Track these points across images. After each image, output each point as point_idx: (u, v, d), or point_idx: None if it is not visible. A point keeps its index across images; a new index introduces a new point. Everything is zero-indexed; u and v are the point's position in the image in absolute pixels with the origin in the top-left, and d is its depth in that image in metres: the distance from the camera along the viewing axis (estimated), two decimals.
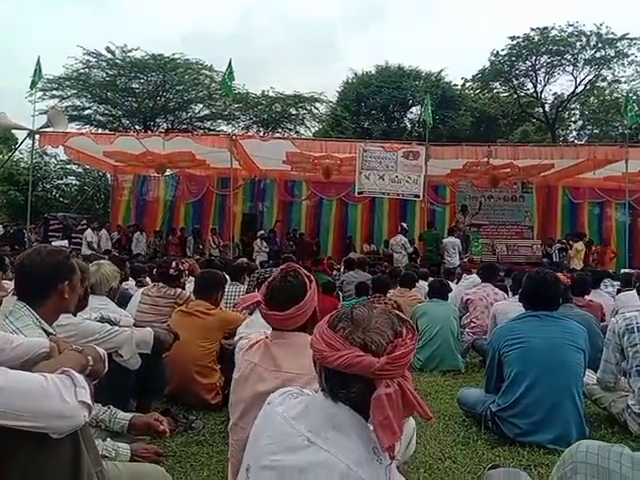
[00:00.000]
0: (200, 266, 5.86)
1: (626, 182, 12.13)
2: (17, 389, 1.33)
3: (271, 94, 24.81)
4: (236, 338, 3.25)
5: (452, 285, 6.68)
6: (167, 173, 15.05)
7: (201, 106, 25.48)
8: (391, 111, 27.40)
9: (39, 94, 17.82)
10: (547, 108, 28.79)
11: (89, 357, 1.68)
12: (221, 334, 3.58)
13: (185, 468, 2.70)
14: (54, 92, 22.70)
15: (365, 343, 1.24)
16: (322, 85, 59.76)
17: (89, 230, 13.53)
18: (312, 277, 2.15)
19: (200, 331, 3.50)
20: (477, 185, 14.60)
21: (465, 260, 11.60)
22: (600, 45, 25.52)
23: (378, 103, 26.14)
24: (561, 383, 2.95)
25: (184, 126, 24.91)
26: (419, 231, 13.69)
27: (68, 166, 24.17)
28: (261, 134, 21.29)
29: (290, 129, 26.27)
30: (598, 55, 25.94)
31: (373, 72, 27.42)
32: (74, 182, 25.24)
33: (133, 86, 23.95)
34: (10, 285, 2.49)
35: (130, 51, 22.81)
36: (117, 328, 2.85)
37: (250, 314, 3.51)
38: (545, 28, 25.79)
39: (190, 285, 4.23)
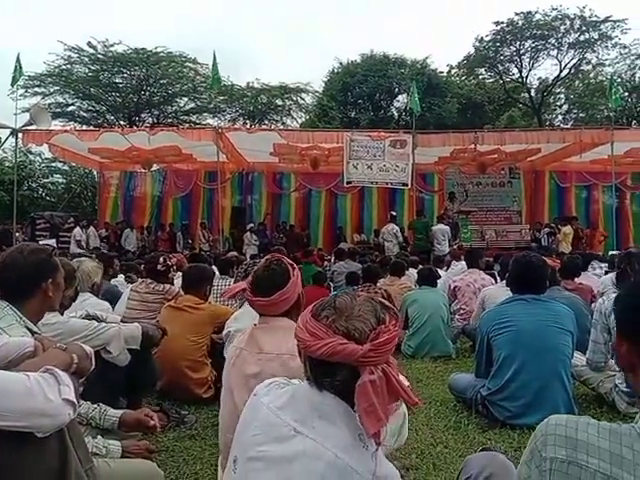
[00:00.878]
0: (188, 261, 5.83)
1: (612, 165, 12.21)
2: (0, 389, 1.31)
3: (256, 86, 24.70)
4: (225, 332, 3.26)
5: (441, 272, 6.73)
6: (154, 168, 14.95)
7: (186, 99, 25.28)
8: (378, 100, 27.36)
9: (21, 91, 17.52)
10: (533, 93, 28.90)
11: (74, 355, 1.67)
12: (211, 328, 3.58)
13: (178, 462, 2.71)
14: (36, 89, 22.38)
15: (348, 331, 1.24)
16: (308, 75, 59.50)
17: (77, 228, 13.43)
18: (295, 265, 2.22)
19: (190, 326, 3.49)
20: (465, 172, 14.63)
21: (454, 247, 11.66)
22: (584, 28, 25.61)
23: (364, 92, 26.09)
24: (549, 365, 2.98)
25: (169, 120, 24.71)
26: (408, 219, 13.72)
27: (53, 164, 23.92)
28: (247, 126, 21.14)
29: (277, 120, 26.17)
30: (582, 38, 26.03)
31: (358, 61, 27.36)
32: (60, 180, 24.98)
33: (116, 81, 23.69)
34: None
35: (112, 45, 22.53)
36: (104, 325, 2.84)
37: (240, 307, 3.53)
38: (529, 12, 25.84)
39: (179, 280, 4.21)
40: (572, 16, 25.41)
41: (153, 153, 13.14)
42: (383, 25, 52.20)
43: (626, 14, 37.32)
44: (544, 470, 0.90)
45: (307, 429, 1.24)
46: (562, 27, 25.87)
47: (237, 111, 25.78)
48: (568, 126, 26.58)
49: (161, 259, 4.26)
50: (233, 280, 4.72)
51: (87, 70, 22.88)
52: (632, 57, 26.48)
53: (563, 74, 27.72)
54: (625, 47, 26.12)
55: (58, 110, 23.23)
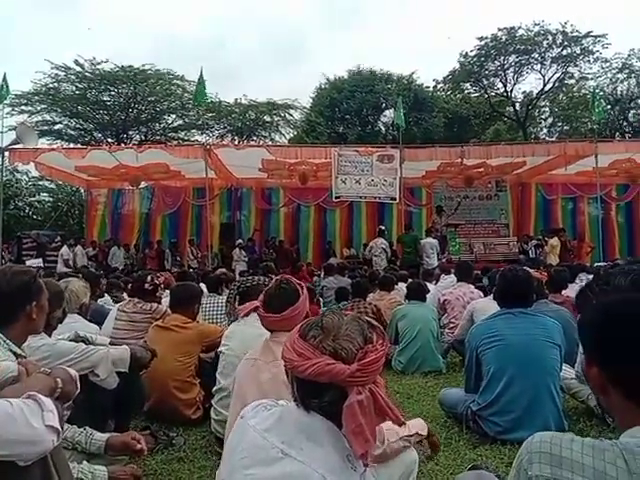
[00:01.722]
0: (175, 279, 5.80)
1: (597, 177, 12.38)
2: None
3: (244, 102, 24.81)
4: (220, 348, 3.23)
5: (430, 286, 6.73)
6: (142, 185, 14.91)
7: (174, 116, 25.33)
8: (365, 115, 27.60)
9: (7, 110, 17.47)
10: (517, 107, 29.33)
11: (58, 379, 1.65)
12: (199, 348, 3.54)
13: None
14: (23, 107, 22.29)
15: (335, 351, 1.24)
16: (295, 91, 59.95)
17: (65, 247, 13.31)
18: (304, 285, 2.44)
19: (177, 346, 3.45)
20: (452, 185, 14.76)
21: (443, 260, 11.71)
22: (566, 43, 26.13)
23: (352, 107, 26.32)
24: (538, 379, 2.98)
25: (157, 137, 24.70)
26: (397, 233, 13.78)
27: (40, 182, 23.77)
28: (236, 142, 21.21)
29: (265, 136, 26.27)
30: (565, 53, 26.55)
31: (345, 77, 27.65)
32: (47, 198, 24.80)
33: (104, 99, 23.69)
34: None
35: (99, 64, 22.57)
36: (92, 347, 2.80)
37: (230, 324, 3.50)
38: (512, 28, 26.33)
39: (167, 299, 4.17)
40: (554, 31, 25.96)
41: (141, 170, 13.13)
42: (369, 41, 52.83)
43: (606, 29, 38.25)
44: None
45: (295, 451, 1.23)
46: (545, 42, 26.39)
47: (225, 127, 25.85)
48: (553, 139, 27.01)
49: (149, 278, 4.23)
50: (223, 298, 4.69)
51: (74, 88, 22.87)
52: (613, 71, 27.04)
53: (547, 88, 28.20)
54: (606, 61, 26.69)
55: (45, 128, 23.17)
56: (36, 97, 22.38)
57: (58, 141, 23.36)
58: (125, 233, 15.69)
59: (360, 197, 12.54)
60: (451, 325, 5.57)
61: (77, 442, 2.36)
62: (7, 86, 11.74)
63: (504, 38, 26.44)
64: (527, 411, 2.93)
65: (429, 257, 11.68)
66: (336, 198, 12.43)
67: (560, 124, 30.20)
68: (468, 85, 29.27)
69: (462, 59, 27.81)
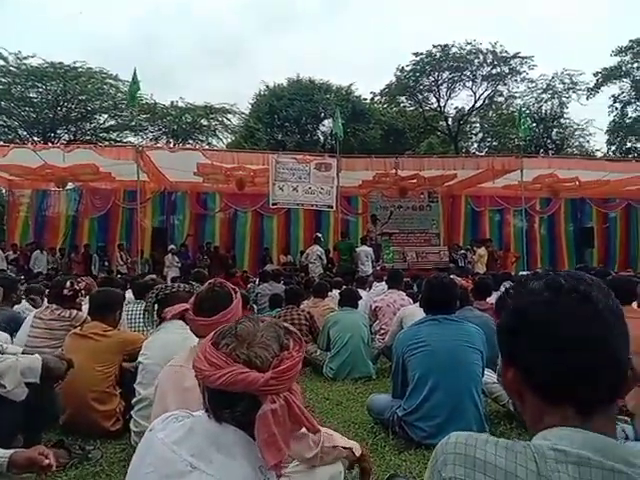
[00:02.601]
0: (99, 284, 5.53)
1: (522, 190, 13.05)
2: None
3: (181, 105, 24.31)
4: (139, 358, 3.10)
5: (363, 293, 6.82)
6: (69, 187, 14.18)
7: (106, 116, 24.42)
8: (304, 123, 27.74)
9: None
10: (450, 122, 30.49)
11: None
12: (120, 356, 3.38)
13: None
14: None
15: (249, 359, 1.19)
16: (233, 95, 59.46)
17: None
18: (237, 289, 2.34)
19: (96, 354, 3.28)
20: (387, 195, 15.07)
21: (377, 268, 11.91)
22: (496, 62, 27.51)
23: (291, 115, 26.38)
24: (461, 384, 3.06)
25: (87, 137, 23.71)
26: (334, 241, 13.89)
27: None
28: (171, 145, 20.69)
29: (202, 140, 25.85)
30: (494, 72, 27.93)
31: (285, 84, 27.68)
32: None
33: (30, 95, 22.48)
34: None
35: (26, 58, 21.41)
36: None
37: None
38: (446, 45, 27.39)
39: (87, 306, 3.97)
40: (485, 51, 27.27)
41: (68, 171, 12.50)
42: (308, 50, 53.34)
43: (533, 51, 40.50)
44: None
45: (204, 464, 1.18)
46: (476, 60, 27.65)
47: (160, 130, 25.22)
48: (482, 154, 28.23)
49: (68, 283, 4.00)
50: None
51: None
52: (538, 91, 28.74)
53: (478, 104, 29.53)
54: (532, 81, 28.35)
55: None
56: None
57: None
58: (50, 236, 14.86)
59: (297, 204, 12.57)
60: (382, 331, 5.65)
61: None
62: (137, 82, 11.34)
63: (438, 55, 27.48)
64: (451, 416, 3.00)
65: (364, 265, 11.86)
66: (273, 205, 12.38)
67: (489, 139, 31.67)
68: (404, 99, 30.14)
69: (398, 73, 28.65)
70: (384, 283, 6.99)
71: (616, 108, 28.58)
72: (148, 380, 2.79)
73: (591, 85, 27.99)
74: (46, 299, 5.82)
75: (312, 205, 12.53)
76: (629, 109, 28.48)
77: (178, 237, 15.15)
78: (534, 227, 16.51)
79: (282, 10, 55.84)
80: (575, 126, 29.90)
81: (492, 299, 5.38)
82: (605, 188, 14.62)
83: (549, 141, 30.13)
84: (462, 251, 14.26)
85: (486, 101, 29.56)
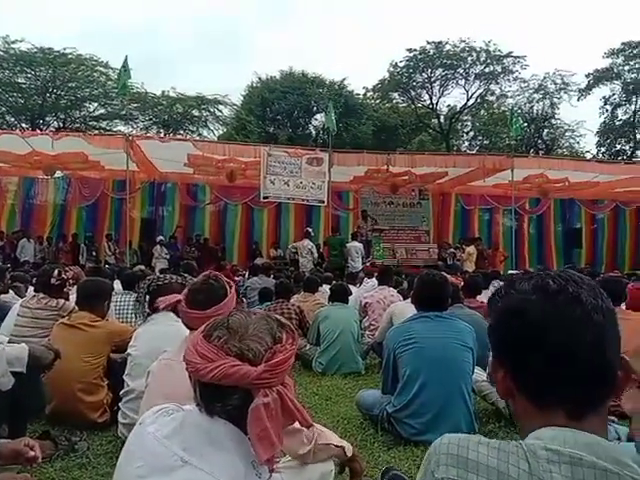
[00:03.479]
0: (87, 274, 5.47)
1: (512, 190, 13.12)
2: None
3: (172, 94, 24.12)
4: (128, 350, 3.07)
5: (353, 289, 6.81)
6: (57, 175, 14.00)
7: (96, 105, 24.18)
8: (296, 117, 27.68)
9: None
10: (442, 119, 30.55)
11: None
12: (108, 347, 3.34)
13: None
14: None
15: (242, 352, 1.17)
16: (225, 88, 59.08)
17: None
18: (232, 283, 2.29)
19: (84, 345, 3.24)
20: (378, 191, 15.08)
21: (367, 264, 11.93)
22: (489, 61, 27.60)
23: (283, 108, 26.30)
24: (451, 381, 3.06)
25: (77, 125, 23.46)
26: (324, 236, 13.88)
27: None
28: (161, 135, 20.52)
29: (192, 131, 25.70)
30: (487, 70, 28.03)
31: (277, 77, 27.57)
32: None
33: (19, 81, 22.17)
34: None
35: (14, 42, 21.07)
36: None
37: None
38: (440, 42, 27.42)
39: (75, 296, 3.92)
40: (478, 49, 27.34)
41: (56, 159, 12.34)
42: (303, 44, 53.18)
43: (525, 51, 40.72)
44: None
45: (196, 458, 1.16)
46: (469, 58, 27.71)
47: (151, 119, 25.01)
48: (473, 152, 28.35)
49: (55, 272, 3.94)
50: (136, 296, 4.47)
51: None
52: (530, 91, 28.90)
53: (470, 103, 29.63)
54: (524, 81, 28.50)
55: None
56: None
57: None
58: (37, 225, 14.66)
59: (288, 198, 12.53)
60: (372, 327, 5.65)
61: None
62: (128, 70, 11.16)
63: (432, 52, 27.50)
64: (440, 413, 3.00)
65: (354, 260, 11.86)
66: (264, 198, 12.33)
67: (480, 138, 31.82)
68: (396, 95, 30.16)
69: (392, 69, 28.62)
70: (374, 279, 6.99)
71: (606, 110, 28.85)
72: (137, 372, 2.76)
73: (582, 86, 28.23)
74: (32, 288, 5.77)
75: (303, 200, 12.51)
76: (619, 111, 28.77)
77: (167, 228, 15.04)
78: (523, 226, 16.62)
79: (278, 2, 55.54)
80: (566, 127, 30.16)
81: (482, 297, 5.41)
82: (594, 189, 14.75)
83: (540, 141, 30.34)
84: (451, 249, 14.32)
85: (478, 100, 29.68)
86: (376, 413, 3.28)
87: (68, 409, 3.22)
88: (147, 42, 47.31)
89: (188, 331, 2.24)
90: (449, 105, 30.65)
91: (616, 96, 28.38)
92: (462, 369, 3.15)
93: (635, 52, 27.06)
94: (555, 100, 29.03)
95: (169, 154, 11.96)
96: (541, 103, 29.34)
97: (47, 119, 23.69)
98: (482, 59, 27.61)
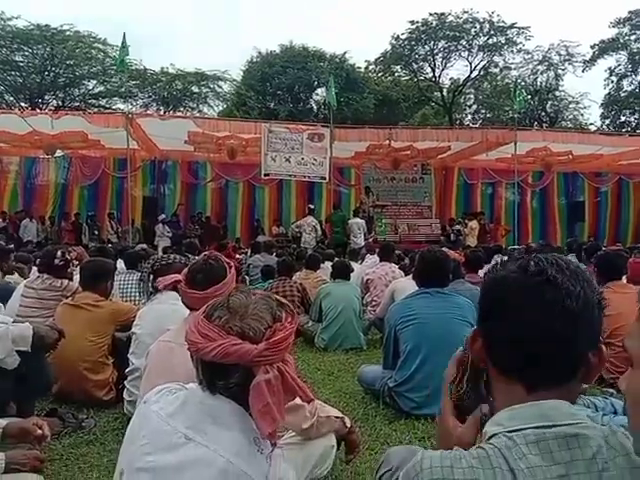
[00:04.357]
0: (92, 254, 5.50)
1: (515, 163, 13.02)
2: None
3: (171, 71, 23.84)
4: (133, 328, 3.11)
5: (355, 265, 6.84)
6: (57, 154, 13.94)
7: (95, 82, 23.92)
8: (297, 92, 27.37)
9: None
10: (444, 92, 30.15)
11: None
12: (112, 327, 3.38)
13: (72, 471, 2.53)
14: None
15: (243, 330, 1.20)
16: (225, 63, 58.33)
17: None
18: (232, 264, 2.33)
19: (89, 325, 3.28)
20: (380, 167, 14.99)
21: (370, 240, 11.94)
22: (492, 32, 27.09)
23: (283, 83, 25.99)
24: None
25: (76, 104, 23.27)
26: (326, 213, 13.86)
27: None
28: (161, 113, 20.36)
29: (192, 108, 25.46)
30: (490, 42, 27.54)
31: (277, 52, 27.18)
32: None
33: (16, 59, 21.90)
34: None
35: (10, 19, 20.76)
36: None
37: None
38: (442, 14, 26.90)
39: (79, 276, 3.94)
40: (482, 20, 26.82)
41: (57, 138, 12.27)
42: (303, 17, 52.20)
43: (529, 22, 39.94)
44: None
45: (199, 435, 1.19)
46: (472, 30, 27.21)
47: (150, 96, 24.77)
48: (476, 125, 28.07)
49: (59, 252, 3.97)
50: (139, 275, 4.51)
51: None
52: (534, 62, 28.42)
53: (473, 75, 29.17)
54: (528, 53, 27.99)
55: None
56: None
57: None
58: (39, 204, 14.68)
59: (290, 175, 12.46)
60: (373, 303, 5.69)
61: None
62: (126, 47, 11.03)
63: (434, 23, 27.00)
64: (440, 387, 3.02)
65: (356, 237, 11.88)
66: (265, 175, 12.27)
67: (484, 111, 31.44)
68: (398, 68, 29.72)
69: (393, 41, 28.15)
70: (376, 256, 7.01)
71: (612, 81, 28.39)
72: (141, 350, 2.79)
73: (587, 57, 27.74)
74: (35, 268, 5.81)
75: (305, 176, 12.44)
76: (625, 82, 28.30)
77: (169, 206, 15.03)
78: (526, 200, 16.53)
79: None
80: (570, 99, 29.75)
81: (483, 272, 5.42)
82: (598, 162, 14.62)
83: (543, 114, 29.99)
84: (457, 226, 14.26)
85: (481, 72, 29.23)
86: (377, 388, 3.33)
87: (74, 388, 3.27)
88: (145, 18, 46.51)
89: (188, 311, 2.26)
90: (452, 78, 30.25)
91: (622, 67, 27.89)
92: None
93: None
94: (559, 72, 28.59)
95: (169, 132, 11.88)
96: (545, 75, 28.91)
97: (46, 98, 23.49)
98: (485, 30, 27.11)
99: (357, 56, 48.77)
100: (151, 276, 3.09)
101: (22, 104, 22.37)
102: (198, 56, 46.94)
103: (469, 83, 29.89)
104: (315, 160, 12.05)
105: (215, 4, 51.35)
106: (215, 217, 15.10)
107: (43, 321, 3.61)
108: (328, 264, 7.00)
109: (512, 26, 26.81)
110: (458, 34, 27.13)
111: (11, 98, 23.10)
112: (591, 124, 29.92)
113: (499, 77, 30.02)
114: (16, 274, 5.61)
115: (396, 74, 30.22)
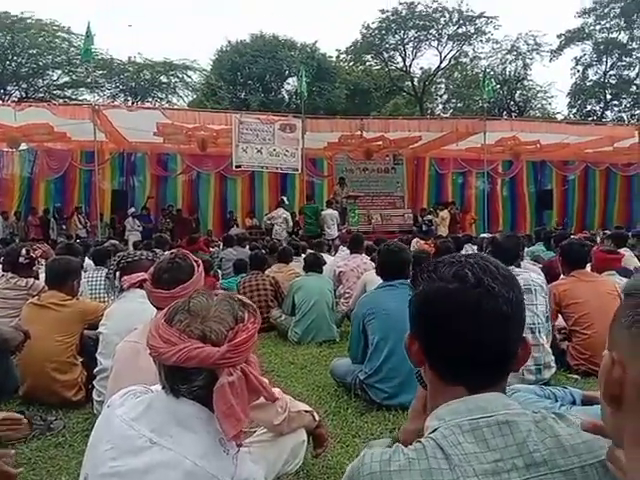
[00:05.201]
0: (57, 252, 5.37)
1: (485, 153, 13.20)
2: None
3: (139, 60, 23.33)
4: (99, 328, 3.06)
5: (328, 257, 6.85)
6: (22, 147, 13.55)
7: (59, 72, 23.24)
8: (268, 81, 27.13)
9: None
10: (415, 82, 30.30)
11: None
12: (80, 326, 3.32)
13: (40, 475, 2.48)
14: None
15: (204, 334, 1.20)
16: (194, 53, 57.39)
17: None
18: (200, 262, 2.29)
19: (55, 325, 3.21)
20: (353, 158, 15.01)
21: (343, 231, 11.98)
22: (461, 22, 27.33)
23: (254, 73, 25.72)
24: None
25: (40, 95, 22.60)
26: (299, 204, 13.84)
27: None
28: (129, 103, 19.95)
29: (161, 98, 25.03)
30: (460, 31, 27.77)
31: (248, 41, 26.84)
32: None
33: None
34: None
35: None
36: None
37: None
38: (412, 3, 27.00)
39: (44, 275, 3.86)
40: (451, 9, 27.04)
41: (20, 131, 11.91)
42: (273, 6, 51.60)
43: (498, 11, 40.28)
44: None
45: (164, 439, 1.19)
46: (442, 19, 27.39)
47: (117, 87, 24.23)
48: (447, 115, 28.30)
49: (23, 250, 3.88)
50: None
51: None
52: (503, 52, 28.79)
53: (443, 65, 29.39)
54: (497, 42, 28.33)
55: None
56: None
57: None
58: (4, 199, 14.24)
59: (262, 167, 12.37)
60: (346, 295, 5.72)
61: None
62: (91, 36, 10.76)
63: (404, 12, 27.06)
64: (409, 376, 3.08)
65: (329, 228, 11.90)
66: (236, 167, 12.14)
67: (454, 101, 31.72)
68: (369, 57, 29.72)
69: (364, 30, 28.12)
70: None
71: (577, 70, 28.99)
72: (109, 350, 2.76)
73: (554, 47, 28.20)
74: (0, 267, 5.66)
75: (277, 168, 12.37)
76: (590, 72, 28.92)
77: (139, 199, 14.78)
78: (496, 189, 16.81)
79: None
80: (538, 88, 30.23)
81: None
82: (565, 151, 14.94)
83: (512, 103, 30.41)
84: (428, 216, 14.41)
85: (451, 61, 29.46)
86: (349, 381, 3.37)
87: (42, 389, 3.22)
88: (113, 5, 45.33)
89: (156, 310, 2.23)
90: (422, 67, 30.43)
91: (587, 56, 28.49)
92: None
93: (606, 11, 27.07)
94: (527, 61, 29.03)
95: (138, 123, 11.65)
96: (514, 64, 29.31)
97: (8, 88, 22.75)
98: (454, 20, 27.32)
99: (328, 45, 48.59)
100: (117, 273, 3.04)
101: None
102: (166, 45, 45.98)
103: (440, 73, 30.12)
104: (287, 151, 11.99)
105: None
106: (187, 210, 14.93)
107: (9, 321, 3.54)
108: (302, 257, 6.99)
109: (481, 15, 27.09)
110: (428, 23, 27.29)
111: None
112: (558, 113, 30.54)
113: (469, 67, 30.31)
114: None
115: (367, 63, 30.23)
